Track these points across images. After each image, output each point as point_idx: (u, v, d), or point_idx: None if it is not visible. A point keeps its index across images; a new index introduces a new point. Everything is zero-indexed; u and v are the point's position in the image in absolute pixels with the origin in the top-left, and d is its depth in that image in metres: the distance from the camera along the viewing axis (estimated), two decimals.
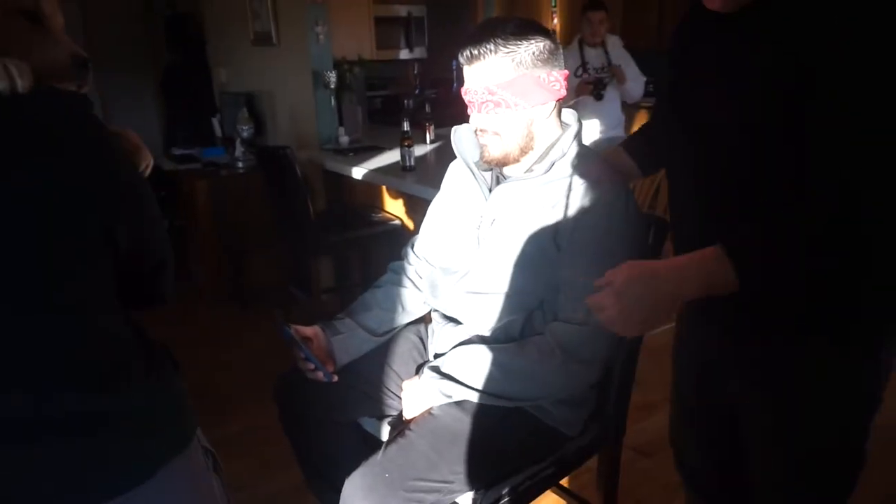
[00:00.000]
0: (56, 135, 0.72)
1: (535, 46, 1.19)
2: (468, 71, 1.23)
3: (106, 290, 0.81)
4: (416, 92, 5.42)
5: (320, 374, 1.34)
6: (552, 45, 1.22)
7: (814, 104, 0.81)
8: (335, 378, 1.36)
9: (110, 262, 0.80)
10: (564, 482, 1.83)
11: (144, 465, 0.80)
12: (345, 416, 1.46)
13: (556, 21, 5.54)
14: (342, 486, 1.20)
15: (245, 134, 3.64)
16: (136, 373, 0.83)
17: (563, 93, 1.25)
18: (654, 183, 3.15)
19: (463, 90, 1.26)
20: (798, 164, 0.85)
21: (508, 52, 1.18)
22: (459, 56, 1.24)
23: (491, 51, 1.18)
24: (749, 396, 1.07)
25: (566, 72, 1.25)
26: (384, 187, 3.12)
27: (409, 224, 3.00)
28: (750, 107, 0.89)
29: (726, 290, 0.85)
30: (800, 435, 1.02)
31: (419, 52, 5.25)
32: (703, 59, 1.00)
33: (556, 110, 1.27)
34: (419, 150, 3.05)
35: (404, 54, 5.20)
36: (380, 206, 3.19)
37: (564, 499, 1.80)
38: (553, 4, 5.56)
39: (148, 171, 0.92)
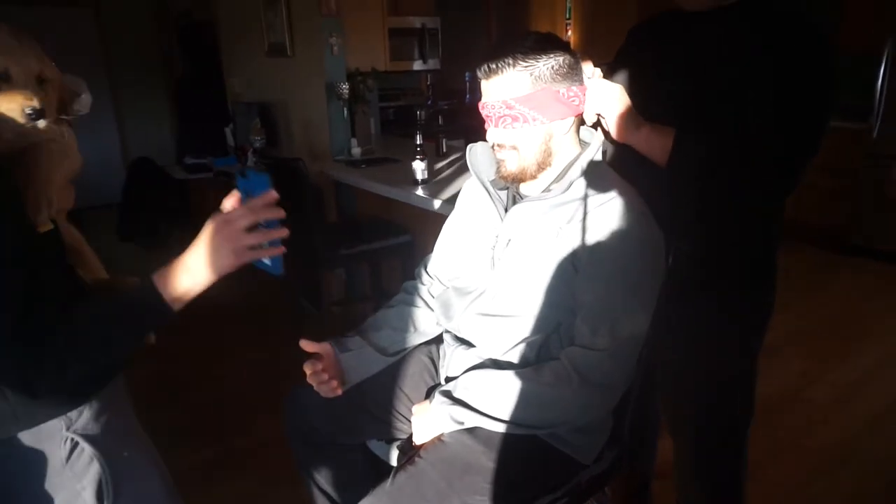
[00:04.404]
0: None
1: (554, 61, 1.16)
2: (486, 85, 1.20)
3: None
4: (429, 103, 5.40)
5: (334, 384, 1.31)
6: (572, 60, 1.19)
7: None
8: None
9: None
10: None
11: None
12: (353, 438, 1.43)
13: (570, 34, 5.52)
14: None
15: (257, 144, 3.64)
16: None
17: (583, 108, 1.22)
18: None
19: (480, 105, 1.23)
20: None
21: (527, 67, 1.15)
22: (478, 71, 1.21)
23: (509, 65, 1.15)
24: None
25: (586, 87, 1.22)
26: (395, 199, 3.10)
27: (421, 238, 2.97)
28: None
29: (657, 150, 1.25)
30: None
31: (433, 64, 5.24)
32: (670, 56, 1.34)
33: (574, 126, 1.24)
34: (432, 163, 3.02)
35: (418, 65, 5.20)
36: (391, 220, 3.16)
37: None
38: (567, 17, 5.54)
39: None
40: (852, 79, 4.48)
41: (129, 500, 0.98)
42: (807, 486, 2.09)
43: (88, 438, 0.94)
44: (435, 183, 2.76)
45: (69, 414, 0.93)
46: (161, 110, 5.89)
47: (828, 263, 4.19)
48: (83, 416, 0.94)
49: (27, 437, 0.89)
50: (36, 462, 0.91)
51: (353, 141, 3.53)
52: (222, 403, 2.67)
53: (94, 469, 0.95)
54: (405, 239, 2.97)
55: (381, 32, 4.70)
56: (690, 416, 1.58)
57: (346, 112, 3.49)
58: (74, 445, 0.93)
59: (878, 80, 3.99)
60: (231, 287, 3.90)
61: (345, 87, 3.35)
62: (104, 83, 5.52)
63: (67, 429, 0.92)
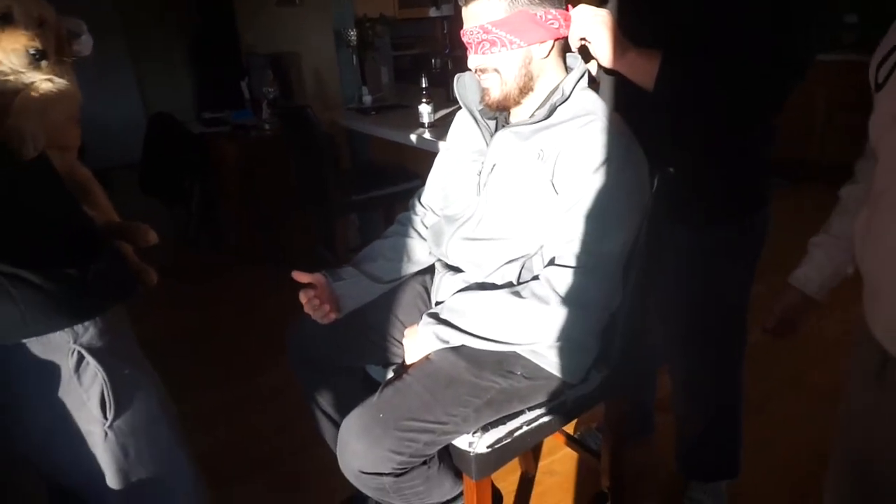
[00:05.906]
0: None
1: None
2: (465, 12, 1.22)
3: None
4: (447, 51, 5.33)
5: (327, 308, 1.38)
6: None
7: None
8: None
9: None
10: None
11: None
12: (351, 362, 1.49)
13: None
14: None
15: (271, 96, 3.66)
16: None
17: (564, 32, 1.22)
18: None
19: (461, 32, 1.24)
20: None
21: None
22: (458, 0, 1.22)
23: None
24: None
25: (566, 11, 1.22)
26: (407, 145, 3.12)
27: None
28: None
29: (643, 75, 1.24)
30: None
31: (446, 10, 5.17)
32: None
33: (556, 51, 1.25)
34: (442, 108, 3.02)
35: (433, 12, 5.13)
36: (403, 164, 3.19)
37: (574, 448, 1.81)
38: None
39: None
40: (878, 12, 4.30)
41: (129, 413, 1.05)
42: (811, 419, 2.11)
43: (93, 352, 1.00)
44: (443, 126, 2.77)
45: (76, 328, 0.98)
46: (180, 66, 5.93)
47: None
48: (89, 332, 1.00)
49: (37, 347, 0.96)
50: (47, 369, 0.98)
51: (364, 89, 3.53)
52: (241, 348, 2.78)
53: (98, 382, 1.02)
54: (417, 184, 2.99)
55: None
56: (682, 347, 1.60)
57: (355, 59, 3.49)
58: (80, 359, 1.00)
59: None
60: (253, 236, 3.96)
61: (353, 34, 3.34)
62: (121, 41, 5.57)
63: (74, 342, 0.99)
